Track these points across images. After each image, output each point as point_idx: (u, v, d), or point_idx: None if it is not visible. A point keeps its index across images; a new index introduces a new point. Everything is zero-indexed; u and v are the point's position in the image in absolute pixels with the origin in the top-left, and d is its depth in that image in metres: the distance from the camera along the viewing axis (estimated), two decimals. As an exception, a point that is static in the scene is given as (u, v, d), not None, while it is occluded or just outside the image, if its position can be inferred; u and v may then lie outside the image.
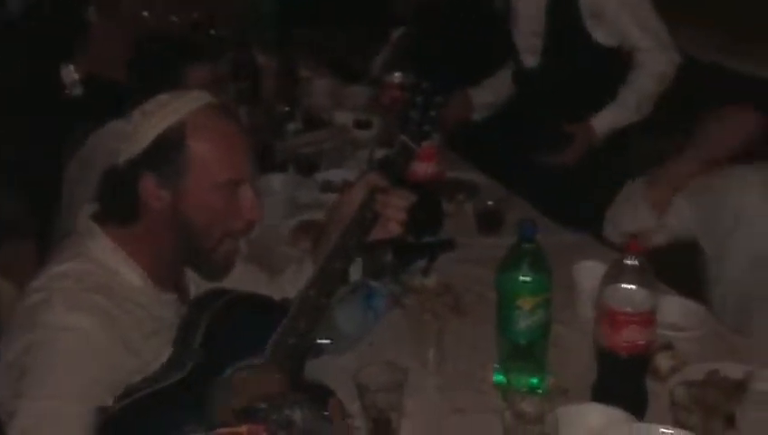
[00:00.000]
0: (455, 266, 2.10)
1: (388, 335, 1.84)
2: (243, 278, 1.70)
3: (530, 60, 2.79)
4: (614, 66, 2.69)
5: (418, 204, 1.69)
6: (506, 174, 2.67)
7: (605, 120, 2.67)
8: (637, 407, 1.52)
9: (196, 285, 1.62)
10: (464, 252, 2.17)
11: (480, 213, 2.34)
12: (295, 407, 1.04)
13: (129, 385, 1.39)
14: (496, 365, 1.66)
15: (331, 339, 1.72)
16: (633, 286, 1.50)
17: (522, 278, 1.58)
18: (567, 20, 2.67)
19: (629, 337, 1.50)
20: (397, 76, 3.02)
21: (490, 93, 2.96)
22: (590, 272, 1.87)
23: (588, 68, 2.67)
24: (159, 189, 1.48)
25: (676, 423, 1.47)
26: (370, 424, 1.53)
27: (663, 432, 1.40)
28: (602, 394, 1.55)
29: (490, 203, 2.34)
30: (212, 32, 3.24)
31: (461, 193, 2.48)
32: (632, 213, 2.09)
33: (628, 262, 1.51)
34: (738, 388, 1.58)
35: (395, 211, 1.64)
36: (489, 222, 2.32)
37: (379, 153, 2.40)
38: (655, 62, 2.64)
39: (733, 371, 1.62)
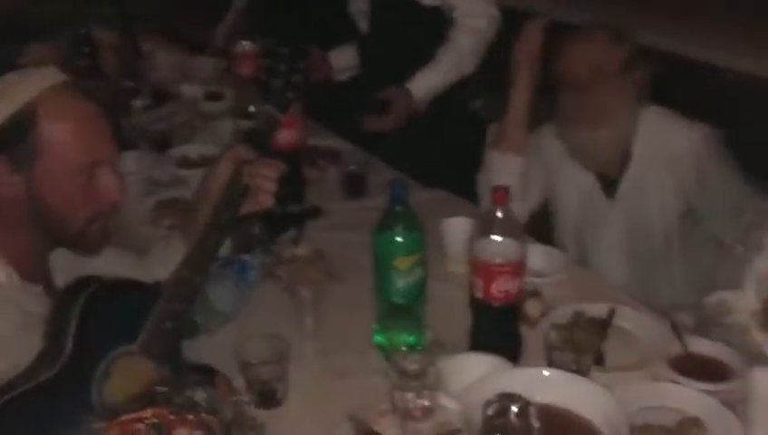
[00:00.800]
0: (324, 233, 2.12)
1: (264, 307, 1.83)
2: (109, 262, 1.64)
3: (363, 24, 2.76)
4: (439, 27, 2.64)
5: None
6: (363, 139, 2.68)
7: (421, 83, 2.61)
8: (513, 353, 1.58)
9: (63, 273, 1.55)
10: (331, 218, 2.19)
11: (344, 178, 2.36)
12: (196, 387, 1.03)
13: (1, 386, 1.33)
14: (375, 326, 1.69)
15: (206, 317, 1.70)
16: (502, 238, 1.55)
17: (396, 239, 1.61)
18: None
19: (502, 287, 1.55)
20: (245, 44, 2.96)
21: (351, 56, 2.93)
22: (457, 227, 1.93)
23: (413, 30, 2.64)
24: (11, 174, 1.41)
25: (551, 364, 1.55)
26: (256, 397, 1.53)
27: (540, 373, 1.47)
28: (479, 344, 1.60)
29: (352, 167, 2.36)
30: (46, 7, 3.06)
31: (322, 159, 2.48)
32: (498, 171, 2.14)
33: (496, 214, 1.56)
34: (602, 326, 1.68)
35: (265, 182, 1.62)
36: (353, 186, 2.34)
37: (244, 125, 2.36)
38: (470, 18, 2.60)
39: (595, 310, 1.73)
